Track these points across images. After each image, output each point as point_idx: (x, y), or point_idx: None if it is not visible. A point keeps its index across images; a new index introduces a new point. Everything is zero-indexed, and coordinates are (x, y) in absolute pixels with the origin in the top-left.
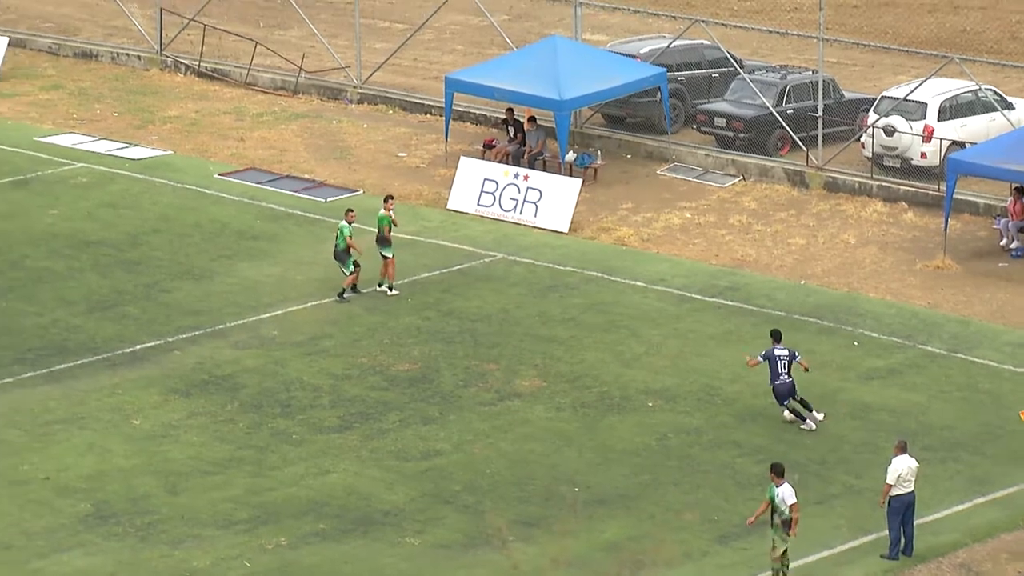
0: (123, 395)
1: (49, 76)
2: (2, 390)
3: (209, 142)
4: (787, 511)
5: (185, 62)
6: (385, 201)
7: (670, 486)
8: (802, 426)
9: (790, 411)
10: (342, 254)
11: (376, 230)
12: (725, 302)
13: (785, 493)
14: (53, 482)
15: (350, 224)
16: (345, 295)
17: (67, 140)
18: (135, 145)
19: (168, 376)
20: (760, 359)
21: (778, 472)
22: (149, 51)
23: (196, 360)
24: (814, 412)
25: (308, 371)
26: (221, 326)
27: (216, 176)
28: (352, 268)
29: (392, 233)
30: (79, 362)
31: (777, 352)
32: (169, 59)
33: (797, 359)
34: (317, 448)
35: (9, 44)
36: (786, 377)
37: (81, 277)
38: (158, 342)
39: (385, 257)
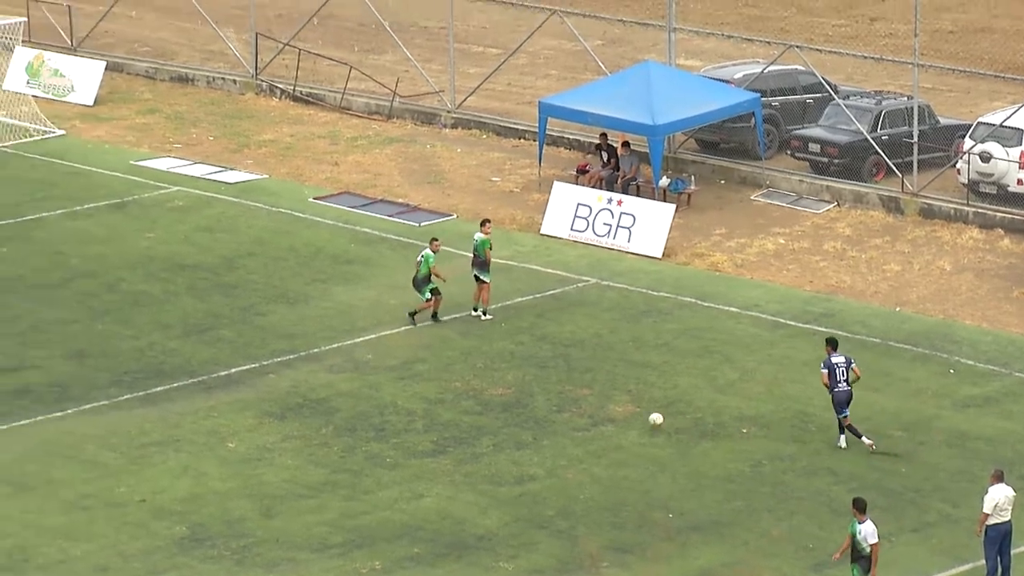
0: (218, 418)
1: (146, 100)
2: (99, 412)
3: (304, 166)
4: (867, 549)
5: (280, 86)
6: (482, 225)
7: (764, 513)
8: (849, 443)
9: (848, 429)
10: (421, 282)
11: (472, 254)
12: (819, 328)
13: (867, 531)
14: (149, 504)
15: (435, 253)
16: (415, 319)
17: (163, 164)
18: (231, 169)
19: (263, 399)
20: (824, 371)
21: (860, 508)
22: (245, 75)
23: (291, 383)
24: (863, 438)
25: (402, 395)
26: (315, 350)
27: (311, 200)
28: (429, 295)
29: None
30: (175, 385)
31: (835, 360)
32: (264, 83)
33: (852, 365)
34: (411, 472)
35: (106, 68)
36: (844, 385)
37: (177, 300)
38: (253, 365)
39: (482, 281)
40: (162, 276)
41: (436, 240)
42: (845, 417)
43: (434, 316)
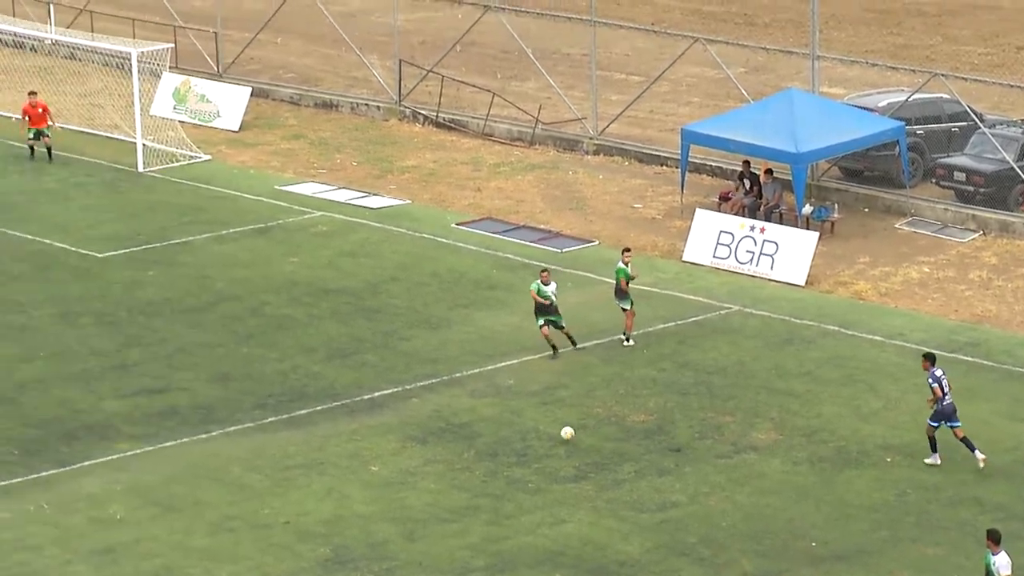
0: (361, 441)
1: (291, 126)
2: (244, 435)
3: (447, 192)
4: None
5: (423, 113)
6: (623, 253)
7: (908, 543)
8: (927, 460)
9: (963, 442)
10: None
11: (614, 282)
12: (965, 358)
13: (1001, 563)
14: (293, 526)
15: (545, 285)
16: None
17: (307, 189)
18: (374, 194)
19: (406, 423)
20: (935, 385)
21: (995, 539)
22: (388, 102)
23: (433, 408)
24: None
25: (544, 420)
26: (458, 374)
27: (453, 226)
28: (542, 323)
29: (629, 285)
30: (319, 408)
31: (937, 373)
32: (408, 110)
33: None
34: (553, 497)
35: (252, 94)
36: (949, 397)
37: (321, 324)
38: (396, 389)
39: (624, 309)
40: (306, 300)
41: (545, 271)
42: (958, 428)
43: (572, 341)
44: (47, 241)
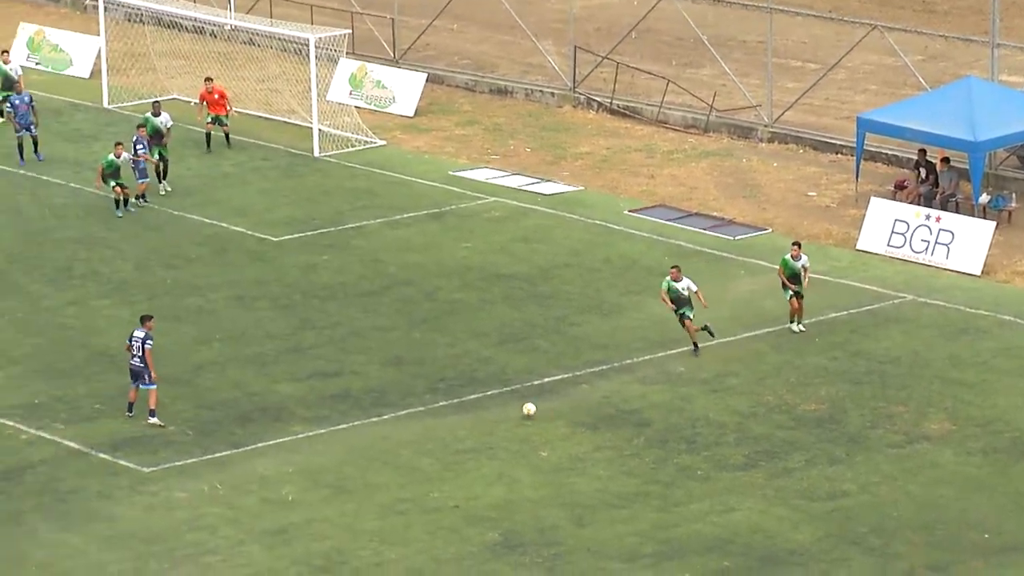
0: (531, 427)
1: (465, 112)
2: (415, 418)
3: (619, 179)
4: None
5: (597, 99)
6: (793, 246)
7: None
8: None
9: None
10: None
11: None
12: None
13: None
14: (463, 510)
15: (675, 282)
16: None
17: (481, 175)
18: (547, 180)
19: (576, 409)
20: None
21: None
22: (563, 88)
23: (603, 394)
24: None
25: (714, 408)
26: (628, 361)
27: (626, 212)
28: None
29: (799, 278)
30: (489, 393)
31: None
32: (582, 96)
33: None
34: (722, 485)
35: (427, 80)
36: None
37: (493, 309)
38: (566, 375)
39: (793, 295)
40: (478, 285)
41: (676, 267)
42: None
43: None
44: (224, 225)
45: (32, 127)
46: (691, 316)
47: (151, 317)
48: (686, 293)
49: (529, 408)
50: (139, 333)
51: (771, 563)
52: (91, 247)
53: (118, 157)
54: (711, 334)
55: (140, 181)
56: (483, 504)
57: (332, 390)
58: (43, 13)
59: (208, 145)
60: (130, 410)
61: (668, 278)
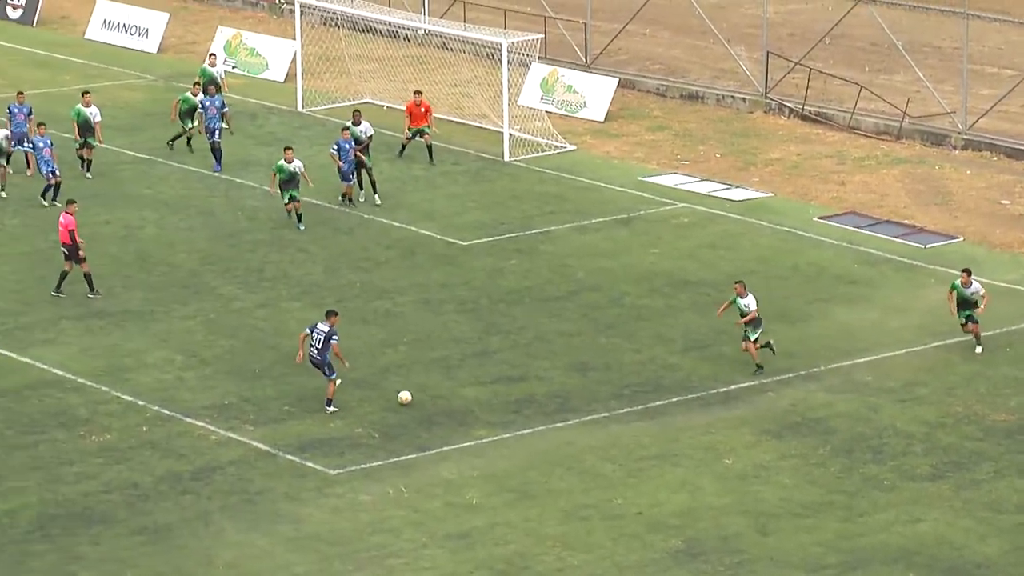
0: (716, 434)
1: (655, 117)
2: (599, 424)
3: (809, 185)
4: None
5: (789, 105)
6: (963, 272)
7: None
8: None
9: None
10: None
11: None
12: None
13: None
14: (646, 517)
15: (741, 298)
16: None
17: (670, 180)
18: (736, 187)
19: (761, 417)
20: None
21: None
22: (754, 94)
23: (789, 402)
24: None
25: (901, 418)
26: (815, 369)
27: (815, 219)
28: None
29: (969, 306)
30: (674, 400)
31: None
32: (773, 102)
33: None
34: (908, 495)
35: (618, 85)
36: None
37: (679, 316)
38: (752, 383)
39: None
40: (665, 291)
41: (739, 282)
42: None
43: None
44: (413, 228)
45: (216, 133)
46: (753, 337)
47: (336, 313)
48: (748, 309)
49: (404, 396)
50: (323, 327)
51: (957, 575)
52: (282, 250)
53: (289, 163)
54: (772, 351)
55: (345, 183)
56: (666, 511)
57: (517, 395)
58: (240, 17)
59: (401, 152)
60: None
61: (734, 297)
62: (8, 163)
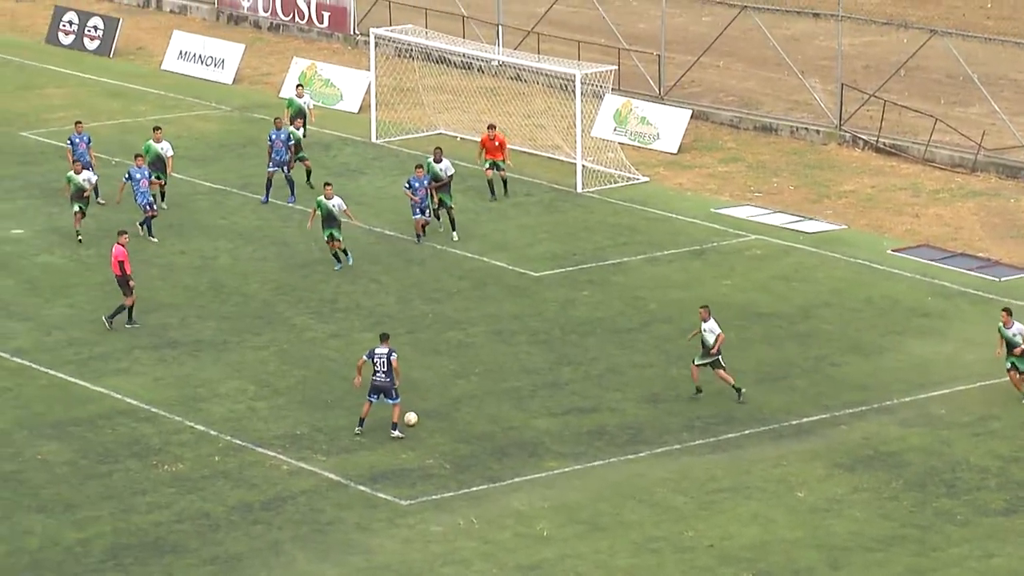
0: (788, 467)
1: (729, 149)
2: (671, 456)
3: (884, 218)
4: None
5: (863, 137)
6: (1003, 312)
7: None
8: None
9: None
10: None
11: None
12: None
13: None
14: (717, 550)
15: None
16: None
17: (743, 212)
18: (810, 219)
19: (833, 450)
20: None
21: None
22: (828, 126)
23: (862, 435)
24: None
25: (975, 452)
26: (888, 402)
27: (889, 252)
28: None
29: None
30: (746, 432)
31: None
32: (848, 134)
33: None
34: (982, 530)
35: (692, 117)
36: None
37: (752, 348)
38: (824, 415)
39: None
40: (737, 323)
41: (704, 307)
42: None
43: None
44: (486, 259)
45: (286, 166)
46: (698, 362)
47: (389, 336)
48: (708, 336)
49: (410, 417)
50: (382, 350)
51: None
52: (355, 280)
53: (328, 199)
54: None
55: (416, 217)
56: (738, 544)
57: (588, 426)
58: (315, 48)
59: (492, 192)
60: (361, 424)
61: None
62: (86, 206)
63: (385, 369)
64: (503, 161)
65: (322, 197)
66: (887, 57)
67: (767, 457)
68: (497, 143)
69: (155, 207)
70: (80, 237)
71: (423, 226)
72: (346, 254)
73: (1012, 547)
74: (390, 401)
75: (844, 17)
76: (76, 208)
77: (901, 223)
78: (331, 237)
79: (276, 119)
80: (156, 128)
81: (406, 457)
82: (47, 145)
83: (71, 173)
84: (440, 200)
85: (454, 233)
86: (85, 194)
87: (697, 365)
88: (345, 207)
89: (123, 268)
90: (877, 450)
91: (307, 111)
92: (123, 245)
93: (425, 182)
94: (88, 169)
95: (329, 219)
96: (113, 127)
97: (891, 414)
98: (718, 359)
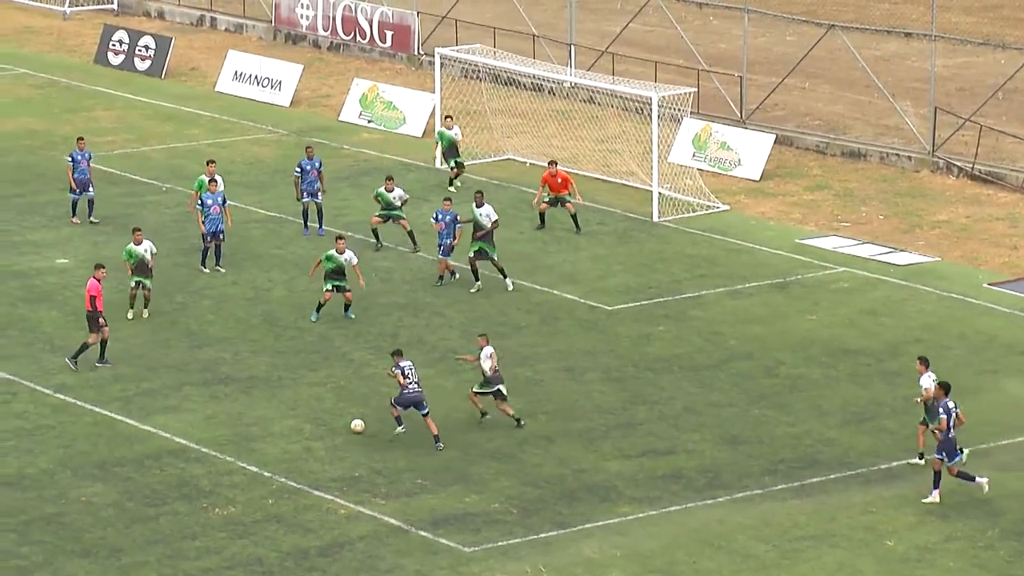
0: (876, 514)
1: (814, 176)
2: (751, 502)
3: (979, 249)
4: None
5: (958, 164)
6: None
7: None
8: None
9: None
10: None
11: None
12: None
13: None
14: None
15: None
16: None
17: (829, 243)
18: (900, 250)
19: (924, 496)
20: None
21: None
22: (920, 152)
23: (956, 480)
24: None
25: None
26: (983, 446)
27: (985, 286)
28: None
29: None
30: (831, 476)
31: (950, 405)
32: (941, 160)
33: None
34: None
35: (775, 142)
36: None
37: (837, 386)
38: (914, 459)
39: None
40: (823, 360)
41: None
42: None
43: None
44: (555, 292)
45: (318, 195)
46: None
47: (402, 351)
48: None
49: (356, 425)
50: (406, 363)
51: None
52: (417, 314)
53: (340, 253)
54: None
55: (440, 257)
56: None
57: (663, 469)
58: (378, 69)
59: (542, 223)
60: (400, 421)
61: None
62: (150, 280)
63: (417, 380)
64: (569, 195)
65: (332, 251)
66: (983, 79)
67: (854, 503)
68: (560, 180)
69: (222, 236)
70: (131, 314)
71: (448, 269)
72: (346, 309)
73: None
74: (422, 412)
75: (938, 37)
76: (134, 282)
77: (998, 255)
78: (335, 288)
79: (307, 148)
80: (210, 162)
81: (470, 501)
82: (96, 171)
83: (131, 246)
84: (479, 251)
85: (508, 282)
86: (150, 266)
87: (477, 393)
88: (355, 262)
89: (94, 304)
90: (971, 496)
91: (457, 142)
92: (98, 280)
93: (447, 218)
94: (87, 189)
95: (337, 273)
96: (164, 151)
97: (987, 457)
98: (499, 389)
